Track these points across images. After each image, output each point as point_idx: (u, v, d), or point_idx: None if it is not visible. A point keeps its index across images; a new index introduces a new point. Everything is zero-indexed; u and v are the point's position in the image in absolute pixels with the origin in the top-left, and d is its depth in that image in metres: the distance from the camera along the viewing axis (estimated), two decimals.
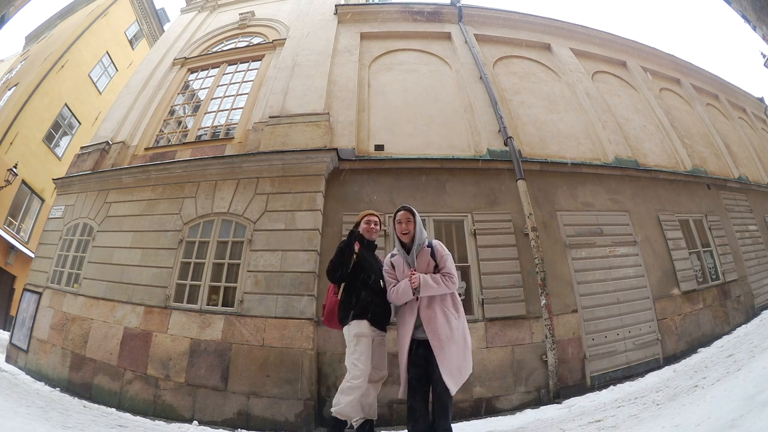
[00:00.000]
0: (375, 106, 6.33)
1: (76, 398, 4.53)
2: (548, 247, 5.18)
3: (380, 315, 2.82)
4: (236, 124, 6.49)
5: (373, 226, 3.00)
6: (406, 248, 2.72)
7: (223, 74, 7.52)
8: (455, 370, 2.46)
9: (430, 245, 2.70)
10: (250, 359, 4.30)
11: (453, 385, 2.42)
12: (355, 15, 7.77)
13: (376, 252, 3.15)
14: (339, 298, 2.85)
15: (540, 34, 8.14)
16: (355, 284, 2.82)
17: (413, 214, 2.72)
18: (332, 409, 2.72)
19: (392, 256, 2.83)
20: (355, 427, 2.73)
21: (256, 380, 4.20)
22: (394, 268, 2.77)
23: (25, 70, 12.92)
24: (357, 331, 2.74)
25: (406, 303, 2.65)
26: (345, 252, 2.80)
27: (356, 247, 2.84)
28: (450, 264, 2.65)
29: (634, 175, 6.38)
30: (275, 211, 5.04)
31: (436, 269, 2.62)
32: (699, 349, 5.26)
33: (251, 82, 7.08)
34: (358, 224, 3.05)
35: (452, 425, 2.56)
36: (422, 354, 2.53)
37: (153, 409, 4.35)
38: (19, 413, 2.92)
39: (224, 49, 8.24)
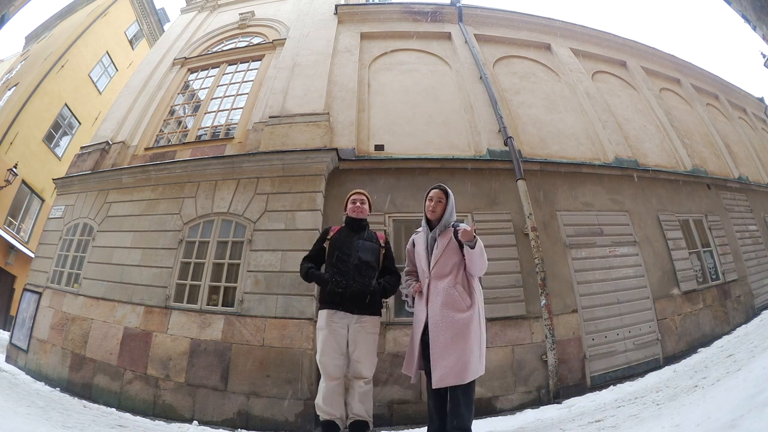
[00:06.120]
0: (375, 106, 6.33)
1: (76, 398, 4.52)
2: (548, 247, 5.18)
3: (353, 296, 2.66)
4: (236, 124, 6.48)
5: (358, 204, 2.96)
6: (431, 225, 2.63)
7: (223, 74, 7.51)
8: (449, 362, 2.25)
9: (455, 226, 2.54)
10: (250, 359, 4.29)
11: (436, 379, 2.25)
12: (355, 15, 7.76)
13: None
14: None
15: (540, 34, 8.13)
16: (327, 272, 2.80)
17: (446, 195, 2.59)
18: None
19: (416, 233, 2.78)
20: (347, 425, 2.67)
21: (256, 380, 4.20)
22: (414, 246, 2.73)
23: (25, 70, 12.92)
24: (317, 323, 2.77)
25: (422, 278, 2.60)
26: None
27: (332, 233, 2.91)
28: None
29: (634, 174, 6.37)
30: (275, 211, 5.04)
31: (461, 247, 2.44)
32: (699, 349, 5.25)
33: (251, 82, 7.07)
34: (345, 208, 3.05)
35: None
36: (428, 341, 2.41)
37: (153, 409, 4.35)
38: (19, 413, 2.91)
39: (224, 49, 8.22)
